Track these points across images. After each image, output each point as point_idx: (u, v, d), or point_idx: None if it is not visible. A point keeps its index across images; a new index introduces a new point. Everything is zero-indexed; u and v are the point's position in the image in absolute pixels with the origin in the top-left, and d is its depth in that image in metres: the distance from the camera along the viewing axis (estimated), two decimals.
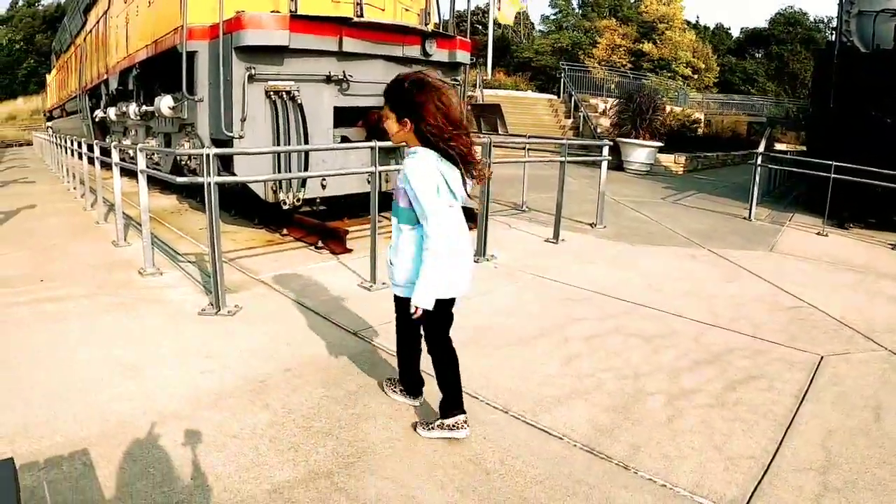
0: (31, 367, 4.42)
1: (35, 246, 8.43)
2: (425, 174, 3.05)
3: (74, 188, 14.36)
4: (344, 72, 8.27)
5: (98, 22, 15.29)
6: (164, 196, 13.01)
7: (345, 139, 8.88)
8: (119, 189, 8.14)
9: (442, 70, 9.94)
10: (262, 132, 7.80)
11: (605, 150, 9.89)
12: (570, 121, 25.37)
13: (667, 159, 21.14)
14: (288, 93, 7.86)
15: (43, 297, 6.10)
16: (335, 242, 7.63)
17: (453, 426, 3.41)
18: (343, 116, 8.65)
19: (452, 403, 3.43)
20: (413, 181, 3.05)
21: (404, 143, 3.24)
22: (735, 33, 64.00)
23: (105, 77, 14.35)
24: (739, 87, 53.17)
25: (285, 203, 7.95)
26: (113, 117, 13.86)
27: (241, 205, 9.80)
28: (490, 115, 24.81)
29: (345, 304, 5.82)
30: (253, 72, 7.56)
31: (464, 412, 3.44)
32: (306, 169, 7.96)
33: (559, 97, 27.97)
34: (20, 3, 71.54)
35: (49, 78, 34.62)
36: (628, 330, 5.34)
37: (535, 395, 4.06)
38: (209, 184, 5.33)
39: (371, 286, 6.29)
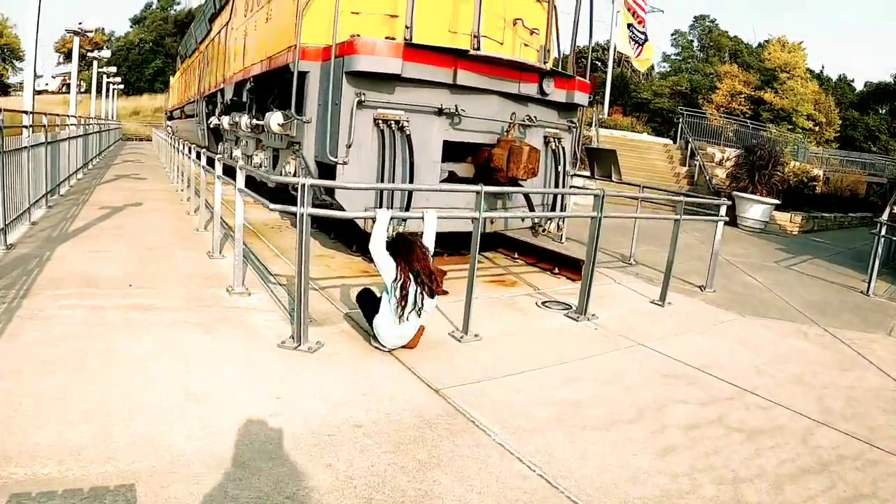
0: (102, 378, 4.32)
1: (131, 246, 8.55)
2: None
3: (181, 190, 14.71)
4: (456, 105, 7.99)
5: (220, 32, 15.72)
6: (264, 209, 13.08)
7: (452, 175, 8.61)
8: (219, 200, 8.12)
9: (558, 111, 9.57)
10: (367, 160, 7.60)
11: (723, 210, 9.23)
12: (684, 168, 24.40)
13: (782, 217, 19.98)
14: (397, 122, 7.64)
15: (129, 303, 6.07)
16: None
17: None
18: (452, 151, 8.37)
19: None
20: None
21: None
22: (858, 86, 60.91)
23: (221, 86, 14.68)
24: (861, 144, 50.38)
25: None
26: (226, 126, 14.12)
27: (341, 228, 9.65)
28: (605, 160, 23.96)
29: (432, 355, 5.47)
30: (363, 98, 7.38)
31: None
32: (409, 203, 7.68)
33: (675, 143, 27.02)
34: (154, 6, 75.71)
35: (172, 80, 36.28)
36: (731, 421, 4.75)
37: (623, 494, 3.57)
38: (302, 214, 5.08)
39: (462, 337, 5.92)
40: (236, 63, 12.78)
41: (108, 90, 45.08)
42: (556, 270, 9.14)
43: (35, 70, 12.02)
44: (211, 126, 16.51)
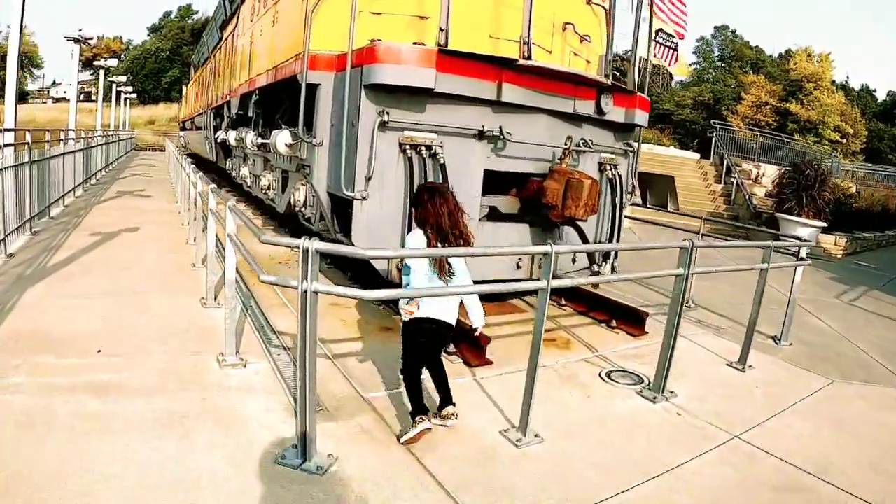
0: None
1: (114, 288, 7.19)
2: None
3: (184, 210, 13.27)
4: (501, 127, 6.52)
5: (227, 40, 14.32)
6: (274, 237, 11.60)
7: (493, 211, 7.14)
8: (213, 242, 6.66)
9: (614, 132, 8.07)
10: (391, 193, 6.14)
11: (804, 252, 7.64)
12: (720, 186, 22.63)
13: (826, 240, 18.32)
14: (428, 147, 6.17)
15: (89, 382, 4.69)
16: (470, 350, 5.80)
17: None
18: (492, 182, 6.88)
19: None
20: None
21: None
22: (880, 95, 58.94)
23: (228, 98, 13.27)
24: (887, 156, 48.45)
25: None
26: (233, 142, 12.70)
27: (357, 265, 8.17)
28: (659, 186, 22.15)
29: (481, 471, 3.97)
30: (386, 117, 5.91)
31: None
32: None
33: (705, 158, 25.30)
34: (172, 14, 74.89)
35: (185, 89, 35.03)
36: None
37: None
38: (304, 292, 3.57)
39: (519, 440, 4.40)
40: (242, 73, 11.36)
41: (117, 98, 43.88)
42: (614, 324, 7.57)
43: (17, 81, 10.60)
44: (218, 140, 15.10)
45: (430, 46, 5.97)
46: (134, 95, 52.97)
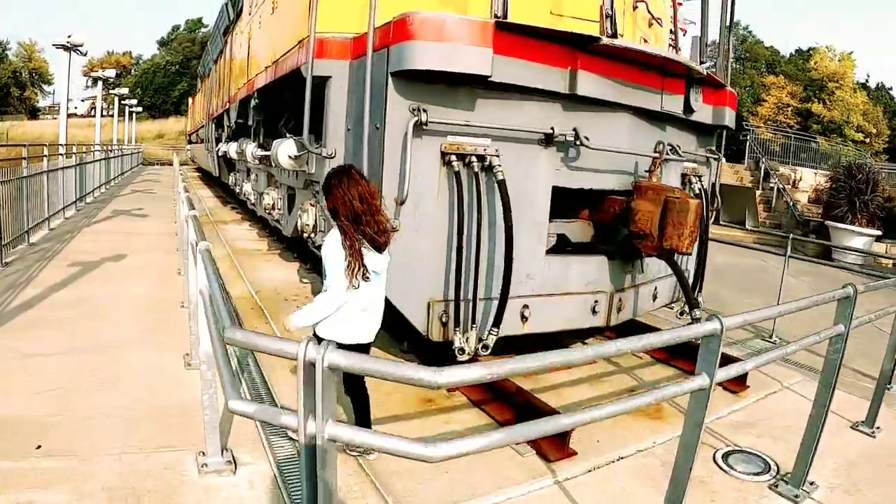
0: None
1: (77, 344, 5.58)
2: None
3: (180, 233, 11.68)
4: (576, 130, 4.86)
5: (227, 43, 12.73)
6: (281, 263, 9.92)
7: (561, 240, 5.45)
8: (196, 287, 5.03)
9: (697, 136, 6.44)
10: (431, 224, 4.49)
11: None
12: (758, 192, 20.79)
13: (878, 249, 16.54)
14: (481, 158, 4.50)
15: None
16: (549, 439, 4.10)
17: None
18: (556, 201, 5.18)
19: None
20: None
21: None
22: None
23: (227, 106, 11.66)
24: None
25: (462, 351, 4.56)
26: (234, 155, 11.10)
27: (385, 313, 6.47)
28: (735, 201, 19.22)
29: None
30: (423, 117, 4.24)
31: None
32: (506, 292, 4.57)
33: (741, 162, 23.38)
34: (181, 27, 73.65)
35: (191, 102, 33.54)
36: None
37: None
38: (310, 439, 1.93)
39: None
40: (241, 77, 9.75)
41: (120, 112, 42.44)
42: None
43: None
44: (219, 153, 13.49)
45: (484, 19, 4.31)
46: (139, 109, 51.60)
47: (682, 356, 6.15)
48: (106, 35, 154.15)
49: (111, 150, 24.25)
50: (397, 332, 5.75)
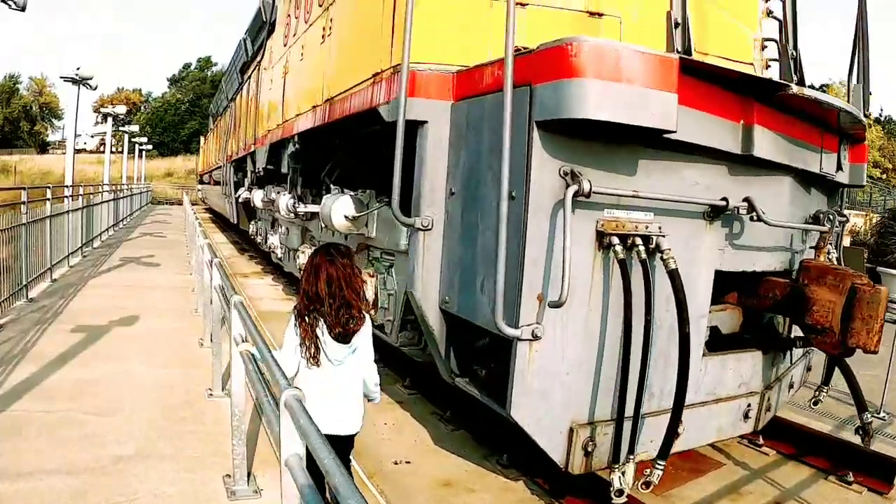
0: None
1: (76, 461, 4.10)
2: None
3: (198, 288, 10.30)
4: (749, 200, 3.75)
5: (248, 79, 11.58)
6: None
7: (713, 333, 4.28)
8: (241, 394, 3.73)
9: (829, 198, 5.40)
10: (580, 327, 3.34)
11: None
12: None
13: None
14: (646, 240, 3.32)
15: None
16: None
17: None
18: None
19: None
20: None
21: None
22: None
23: (252, 149, 10.44)
24: None
25: (621, 493, 3.32)
26: (258, 203, 9.86)
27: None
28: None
29: None
30: (586, 185, 3.03)
31: None
32: (679, 410, 3.38)
33: None
34: (193, 65, 73.38)
35: (203, 141, 32.57)
36: None
37: None
38: None
39: None
40: (271, 117, 8.55)
41: (130, 149, 41.46)
42: (850, 477, 4.78)
43: None
44: (240, 200, 12.25)
45: (663, 52, 3.13)
46: (150, 147, 50.78)
47: (814, 451, 5.18)
48: (116, 71, 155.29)
49: (120, 190, 23.09)
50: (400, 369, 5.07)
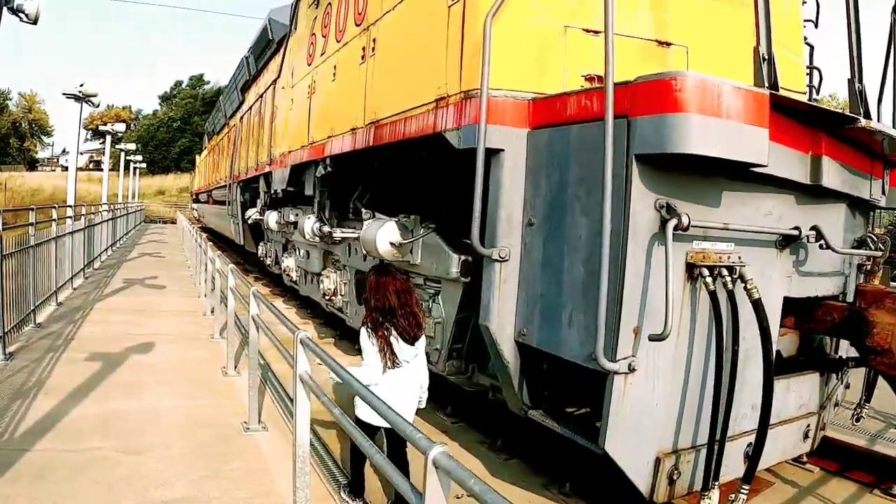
0: None
1: None
2: None
3: (209, 311, 10.02)
4: (817, 228, 3.87)
5: (261, 97, 11.45)
6: (339, 357, 8.25)
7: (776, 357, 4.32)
8: (306, 440, 3.57)
9: (865, 221, 5.54)
10: (670, 357, 3.34)
11: None
12: None
13: None
14: (730, 270, 3.29)
15: None
16: None
17: None
18: None
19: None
20: None
21: None
22: None
23: (266, 169, 10.29)
24: None
25: None
26: (273, 226, 9.70)
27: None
28: None
29: None
30: (685, 219, 3.04)
31: None
32: (762, 434, 3.47)
33: None
34: (184, 83, 73.24)
35: (199, 159, 32.29)
36: None
37: None
38: None
39: None
40: (294, 137, 8.40)
41: (126, 168, 41.11)
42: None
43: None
44: (249, 221, 12.05)
45: (754, 87, 3.12)
46: (144, 165, 50.40)
47: (857, 467, 5.19)
48: (104, 89, 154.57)
49: (117, 209, 22.81)
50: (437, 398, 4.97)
